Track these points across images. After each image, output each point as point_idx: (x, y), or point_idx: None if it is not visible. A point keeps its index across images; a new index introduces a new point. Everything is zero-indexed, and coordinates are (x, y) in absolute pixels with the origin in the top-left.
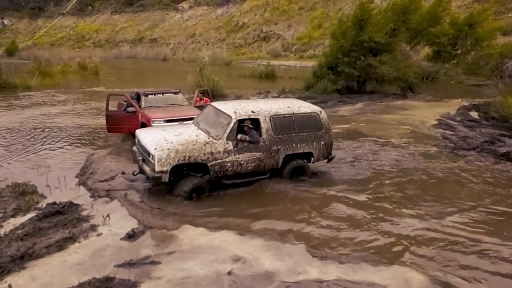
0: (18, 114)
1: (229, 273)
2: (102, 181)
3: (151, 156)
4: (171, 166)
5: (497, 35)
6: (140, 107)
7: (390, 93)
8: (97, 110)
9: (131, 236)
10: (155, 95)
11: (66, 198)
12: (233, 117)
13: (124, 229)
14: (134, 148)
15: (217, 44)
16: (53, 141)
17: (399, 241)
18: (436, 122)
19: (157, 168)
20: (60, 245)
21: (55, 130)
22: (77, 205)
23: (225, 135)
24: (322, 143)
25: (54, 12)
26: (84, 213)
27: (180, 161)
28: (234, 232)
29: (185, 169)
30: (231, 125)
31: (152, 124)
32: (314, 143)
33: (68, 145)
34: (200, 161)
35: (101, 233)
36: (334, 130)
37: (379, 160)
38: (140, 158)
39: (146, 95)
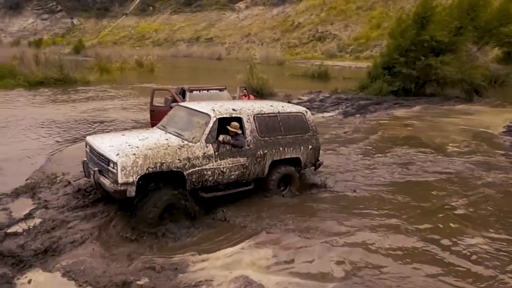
0: (72, 108)
1: None
2: None
3: (112, 164)
4: (138, 176)
5: None
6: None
7: (453, 97)
8: (145, 104)
9: None
10: (200, 91)
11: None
12: (212, 115)
13: None
14: (85, 158)
15: (271, 44)
16: (98, 133)
17: None
18: (505, 129)
19: (120, 179)
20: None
21: (103, 124)
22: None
23: (204, 137)
24: (310, 147)
25: (118, 12)
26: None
27: (150, 169)
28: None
29: (149, 183)
30: (211, 124)
31: None
32: (302, 147)
33: None
34: (175, 169)
35: None
36: (387, 134)
37: (437, 170)
38: (96, 169)
39: (191, 91)
